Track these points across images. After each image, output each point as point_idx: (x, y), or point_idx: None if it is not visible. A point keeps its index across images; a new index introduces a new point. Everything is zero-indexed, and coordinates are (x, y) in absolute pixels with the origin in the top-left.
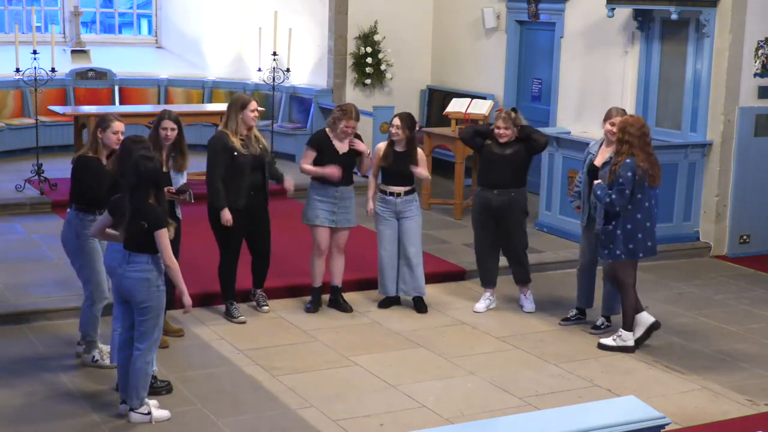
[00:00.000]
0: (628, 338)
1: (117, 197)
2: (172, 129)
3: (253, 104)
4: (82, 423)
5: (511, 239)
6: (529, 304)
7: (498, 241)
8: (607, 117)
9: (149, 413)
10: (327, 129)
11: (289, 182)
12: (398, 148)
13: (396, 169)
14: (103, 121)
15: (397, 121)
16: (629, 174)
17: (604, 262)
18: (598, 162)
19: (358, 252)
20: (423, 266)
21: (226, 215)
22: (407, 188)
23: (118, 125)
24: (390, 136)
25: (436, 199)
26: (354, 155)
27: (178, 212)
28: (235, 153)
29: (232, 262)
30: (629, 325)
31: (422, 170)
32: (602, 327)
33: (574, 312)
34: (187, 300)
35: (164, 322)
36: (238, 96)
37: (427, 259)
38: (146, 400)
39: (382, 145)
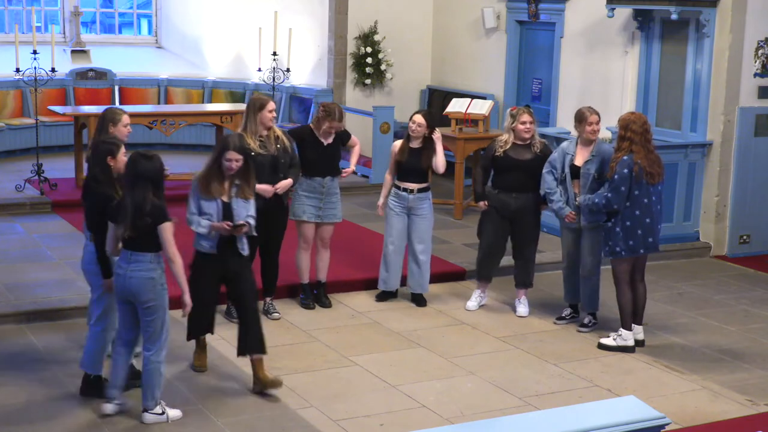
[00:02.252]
0: (629, 338)
1: (116, 203)
2: (237, 160)
3: (271, 104)
4: (82, 423)
5: (525, 242)
6: (523, 308)
7: (504, 243)
8: (582, 119)
9: (164, 413)
10: (311, 125)
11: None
12: (414, 145)
13: (411, 165)
14: (113, 115)
15: (420, 119)
16: (625, 171)
17: (589, 262)
18: (579, 162)
19: (361, 251)
20: (430, 265)
21: (261, 186)
22: (421, 185)
23: (126, 117)
24: (408, 131)
25: (436, 199)
26: (337, 146)
27: (241, 246)
28: (252, 154)
29: None
30: (628, 324)
31: (438, 160)
32: (589, 324)
33: (568, 311)
34: (187, 299)
35: (263, 373)
36: (256, 97)
37: None
38: (161, 401)
39: (398, 142)
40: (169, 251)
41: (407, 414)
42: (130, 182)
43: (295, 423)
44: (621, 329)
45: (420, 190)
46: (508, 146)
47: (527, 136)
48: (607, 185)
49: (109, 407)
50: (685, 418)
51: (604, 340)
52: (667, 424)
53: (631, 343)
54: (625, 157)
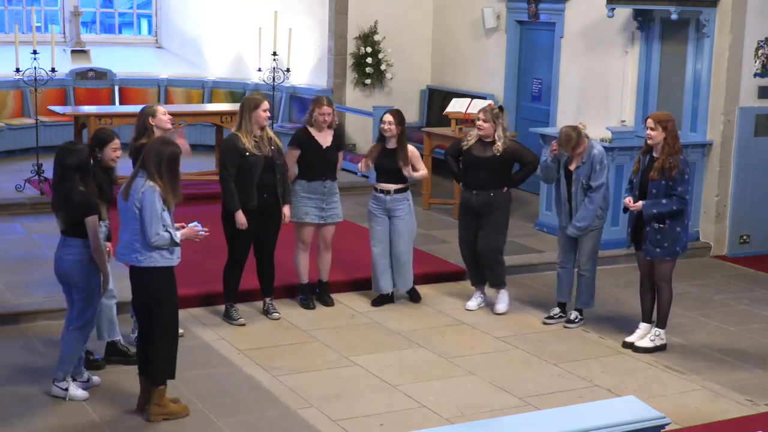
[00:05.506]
0: (664, 337)
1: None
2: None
3: (265, 104)
4: (82, 423)
5: (485, 239)
6: (500, 306)
7: (474, 240)
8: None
9: (66, 389)
10: (307, 126)
11: (287, 209)
12: (389, 145)
13: (387, 165)
14: (151, 110)
15: (389, 117)
16: (687, 169)
17: (585, 260)
18: (572, 167)
19: (361, 252)
20: (412, 263)
21: (240, 218)
22: (398, 186)
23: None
24: (381, 132)
25: (435, 199)
26: (336, 149)
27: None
28: (247, 153)
29: (238, 263)
30: (665, 323)
31: (414, 170)
32: (576, 321)
33: (556, 310)
34: (108, 282)
35: (166, 402)
36: (250, 96)
37: (426, 259)
38: (69, 377)
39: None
40: (92, 243)
41: (407, 414)
42: (57, 174)
43: (295, 423)
44: (659, 329)
45: (397, 191)
46: (473, 140)
47: (480, 132)
48: (661, 186)
49: (78, 393)
50: (685, 418)
51: (641, 343)
52: (667, 424)
53: (665, 341)
54: (681, 157)
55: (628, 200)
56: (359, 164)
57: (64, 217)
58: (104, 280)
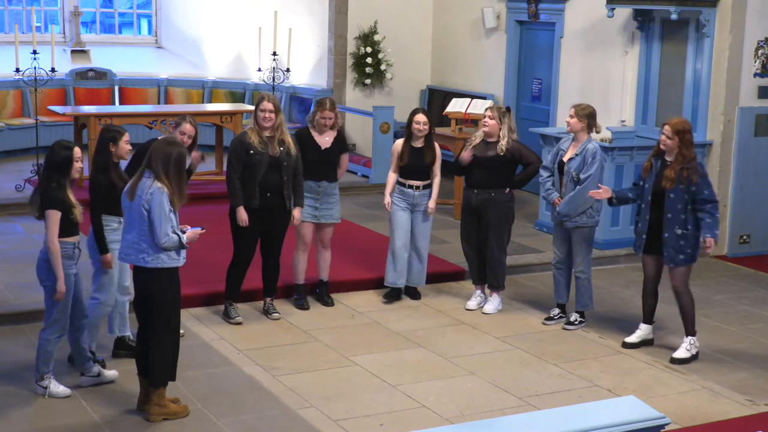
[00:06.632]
0: (697, 344)
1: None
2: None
3: (264, 104)
4: (82, 422)
5: (487, 241)
6: (488, 306)
7: (474, 240)
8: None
9: (46, 387)
10: (309, 126)
11: (297, 211)
12: (416, 144)
13: (415, 164)
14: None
15: (423, 118)
16: (705, 171)
17: (580, 260)
18: (566, 159)
19: (361, 251)
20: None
21: (242, 215)
22: (425, 183)
23: (188, 127)
24: (414, 132)
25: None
26: (337, 151)
27: None
28: (251, 151)
29: (242, 263)
30: (694, 329)
31: (437, 180)
32: (576, 323)
33: (556, 311)
34: (60, 286)
35: (166, 402)
36: (259, 96)
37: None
38: (48, 375)
39: (400, 142)
40: (47, 238)
41: (407, 414)
42: (43, 170)
43: (295, 423)
44: (692, 337)
45: (424, 187)
46: (477, 140)
47: (484, 129)
48: (686, 191)
49: (83, 380)
50: (685, 418)
51: (678, 354)
52: (667, 424)
53: (698, 347)
54: (699, 161)
55: (709, 243)
56: (462, 156)
57: (37, 211)
58: (57, 280)
